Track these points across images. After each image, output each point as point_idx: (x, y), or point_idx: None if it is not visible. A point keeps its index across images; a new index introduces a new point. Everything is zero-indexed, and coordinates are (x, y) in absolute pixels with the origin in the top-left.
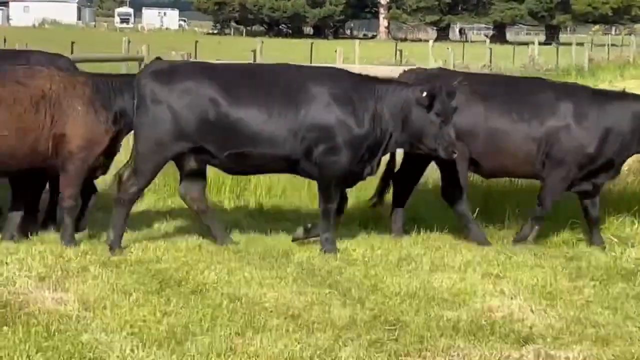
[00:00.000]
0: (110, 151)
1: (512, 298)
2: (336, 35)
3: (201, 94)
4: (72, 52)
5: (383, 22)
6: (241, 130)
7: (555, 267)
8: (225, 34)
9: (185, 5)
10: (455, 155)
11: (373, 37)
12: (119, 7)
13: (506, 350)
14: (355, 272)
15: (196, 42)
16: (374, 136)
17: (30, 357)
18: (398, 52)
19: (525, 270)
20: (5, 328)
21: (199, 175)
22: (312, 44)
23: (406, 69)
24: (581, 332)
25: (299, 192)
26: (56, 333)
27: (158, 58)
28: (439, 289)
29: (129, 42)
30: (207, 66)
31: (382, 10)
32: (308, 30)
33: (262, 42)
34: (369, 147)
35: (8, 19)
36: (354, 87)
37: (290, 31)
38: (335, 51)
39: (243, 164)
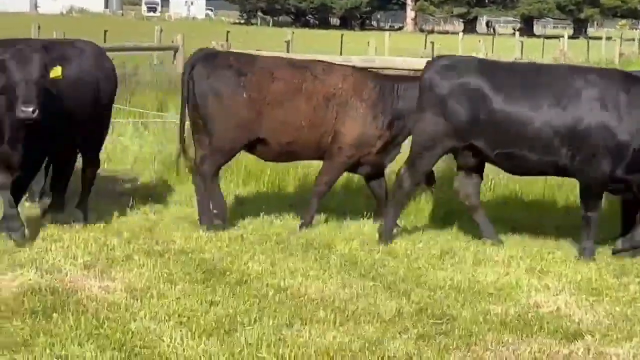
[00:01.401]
0: (382, 151)
1: (557, 293)
2: (363, 27)
3: (478, 90)
4: (104, 41)
5: (410, 14)
6: (510, 129)
7: (599, 263)
8: (252, 24)
9: None
10: None
11: (400, 28)
12: None
13: (555, 346)
14: (398, 265)
15: (228, 32)
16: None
17: (82, 345)
18: (429, 44)
19: (569, 265)
20: (55, 315)
21: (475, 171)
22: (342, 35)
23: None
24: (630, 329)
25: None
26: (105, 321)
27: (202, 49)
28: (484, 283)
29: (161, 31)
30: (485, 62)
31: (409, 1)
32: (335, 21)
33: (293, 32)
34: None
35: (36, 6)
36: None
37: (317, 22)
38: (368, 43)
39: (513, 164)
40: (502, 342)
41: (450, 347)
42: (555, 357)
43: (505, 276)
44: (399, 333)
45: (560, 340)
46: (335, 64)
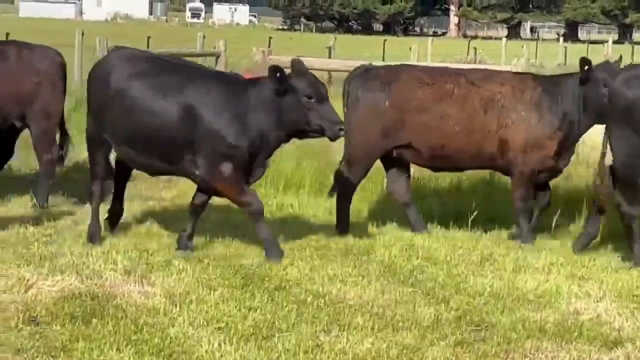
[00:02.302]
0: (560, 154)
1: (598, 300)
2: (406, 32)
3: None
4: (147, 46)
5: (453, 19)
6: None
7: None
8: (295, 30)
9: (256, 0)
10: None
11: (443, 34)
12: (190, 2)
13: (595, 353)
14: (437, 271)
15: (270, 37)
16: None
17: (121, 350)
18: (472, 50)
19: (610, 272)
20: (94, 320)
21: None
22: (384, 40)
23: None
24: None
25: (377, 187)
26: (144, 326)
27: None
28: (523, 290)
29: (203, 37)
30: None
31: (452, 7)
32: (378, 26)
33: (335, 38)
34: None
35: (81, 12)
36: None
37: (360, 27)
38: (410, 49)
39: None
40: (541, 350)
41: (489, 354)
42: None
43: (545, 283)
44: (437, 340)
45: (600, 348)
46: (493, 70)
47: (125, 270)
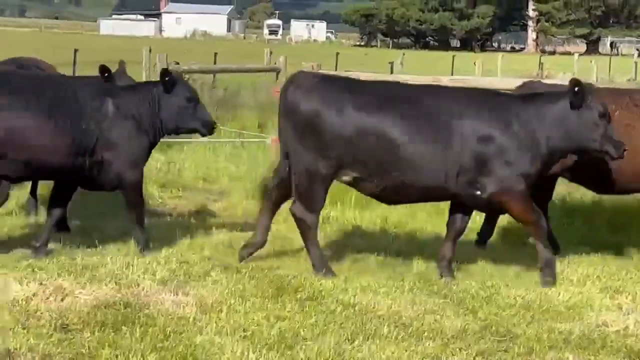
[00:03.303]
0: None
1: (628, 313)
2: (483, 48)
3: None
4: (215, 62)
5: (531, 35)
6: None
7: None
8: (372, 46)
9: (333, 17)
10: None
11: (521, 49)
12: (268, 19)
13: None
14: (472, 283)
15: (337, 53)
16: None
17: (145, 357)
18: (540, 65)
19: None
20: (124, 328)
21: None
22: (453, 56)
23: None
24: None
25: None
26: (172, 334)
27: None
28: (555, 302)
29: (270, 53)
30: None
31: (530, 22)
32: (455, 42)
33: (404, 54)
34: None
35: (160, 30)
36: None
37: (436, 43)
38: (474, 64)
39: None
40: (550, 357)
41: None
42: None
43: (578, 295)
44: (459, 349)
45: (622, 359)
46: None
47: (163, 280)
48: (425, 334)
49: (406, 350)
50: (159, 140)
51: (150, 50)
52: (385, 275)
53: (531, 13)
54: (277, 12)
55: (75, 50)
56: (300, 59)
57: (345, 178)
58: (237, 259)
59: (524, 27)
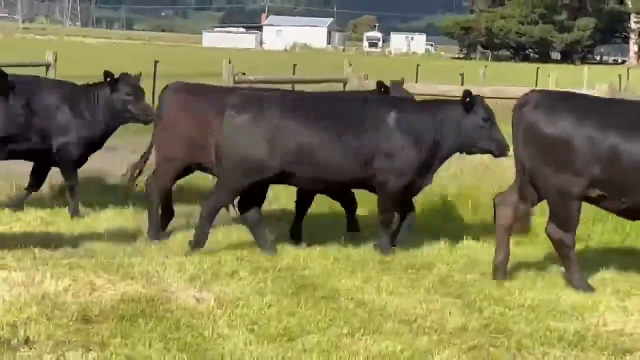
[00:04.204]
0: None
1: (630, 315)
2: (584, 61)
3: None
4: (293, 73)
5: (633, 47)
6: None
7: None
8: (471, 59)
9: (434, 30)
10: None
11: (623, 62)
12: (369, 31)
13: (602, 359)
14: (487, 284)
15: (418, 65)
16: None
17: (151, 346)
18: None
19: None
20: (140, 320)
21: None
22: (537, 68)
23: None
24: None
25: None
26: (184, 326)
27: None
28: (564, 303)
29: (350, 64)
30: None
31: (632, 35)
32: (556, 55)
33: (486, 66)
34: None
35: (261, 42)
36: None
37: (537, 56)
38: (549, 76)
39: None
40: (549, 355)
41: (493, 356)
42: None
43: (589, 297)
44: (452, 344)
45: (609, 355)
46: None
47: (191, 278)
48: (425, 330)
49: (400, 344)
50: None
51: (229, 62)
52: (406, 276)
53: (633, 25)
54: (378, 24)
55: (156, 62)
56: (384, 71)
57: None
58: (266, 259)
59: (626, 40)
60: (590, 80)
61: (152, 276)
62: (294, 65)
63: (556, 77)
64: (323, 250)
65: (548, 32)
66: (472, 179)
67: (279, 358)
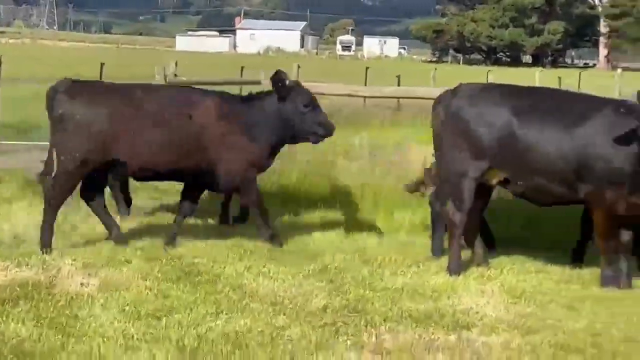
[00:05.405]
0: None
1: (482, 296)
2: (555, 64)
3: None
4: (241, 76)
5: (603, 51)
6: None
7: (545, 272)
8: (443, 62)
9: (408, 34)
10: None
11: (594, 65)
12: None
13: (437, 334)
14: (365, 270)
15: (367, 68)
16: None
17: (24, 323)
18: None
19: (512, 273)
20: (21, 302)
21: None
22: (488, 71)
23: None
24: (523, 324)
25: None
26: (61, 308)
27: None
28: (426, 286)
29: (298, 67)
30: None
31: (602, 39)
32: (527, 58)
33: (435, 69)
34: None
35: (235, 46)
36: None
37: (508, 59)
38: (487, 77)
39: None
40: (389, 329)
41: (340, 331)
42: (429, 343)
43: (454, 282)
44: (307, 322)
45: (447, 330)
46: None
47: (84, 265)
48: (287, 310)
49: (256, 322)
50: None
51: (176, 64)
52: (291, 264)
53: (602, 29)
54: (352, 28)
55: (102, 64)
56: (332, 73)
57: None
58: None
59: (596, 44)
60: (543, 84)
61: (48, 264)
62: (242, 68)
63: (493, 79)
64: (216, 241)
65: (518, 36)
66: (378, 173)
67: (139, 333)
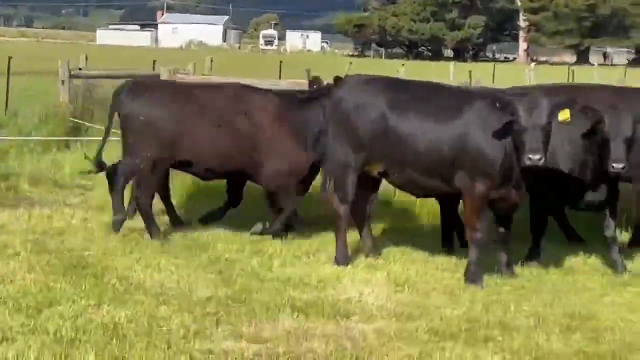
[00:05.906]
0: None
1: (369, 285)
2: (476, 58)
3: None
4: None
5: (522, 45)
6: None
7: (434, 262)
8: (366, 56)
9: (329, 27)
10: None
11: (514, 59)
12: (264, 29)
13: (316, 322)
14: (254, 262)
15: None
16: None
17: None
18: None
19: (401, 263)
20: None
21: None
22: (402, 64)
23: None
24: (402, 311)
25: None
26: None
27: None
28: (314, 276)
29: (211, 61)
30: None
31: (521, 33)
32: (448, 52)
33: (350, 62)
34: None
35: (157, 40)
36: None
37: (429, 53)
38: (397, 71)
39: None
40: (274, 319)
41: (221, 321)
42: (307, 331)
43: (340, 271)
44: (189, 312)
45: (326, 319)
46: None
47: None
48: (169, 300)
49: (135, 310)
50: None
51: (86, 58)
52: (184, 257)
53: (522, 23)
54: (275, 22)
55: (10, 58)
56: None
57: None
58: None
59: (516, 38)
60: (459, 78)
61: None
62: (154, 61)
63: (403, 71)
64: (107, 234)
65: (439, 30)
66: None
67: (20, 326)
